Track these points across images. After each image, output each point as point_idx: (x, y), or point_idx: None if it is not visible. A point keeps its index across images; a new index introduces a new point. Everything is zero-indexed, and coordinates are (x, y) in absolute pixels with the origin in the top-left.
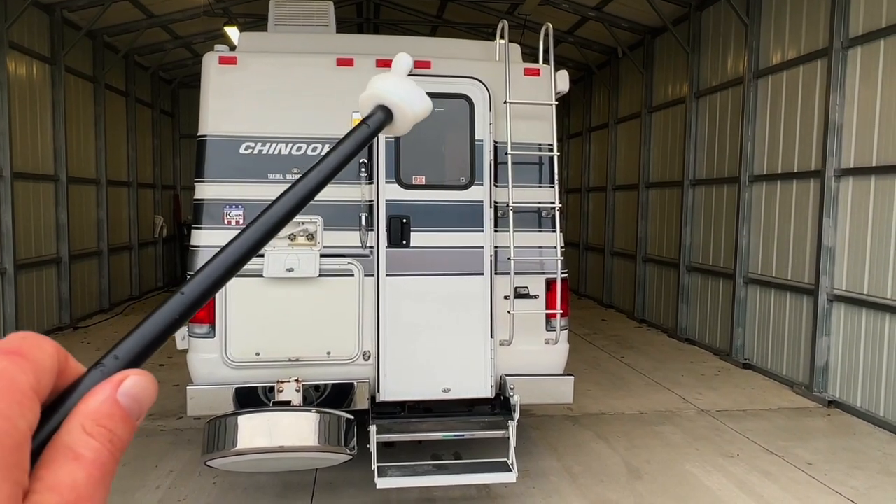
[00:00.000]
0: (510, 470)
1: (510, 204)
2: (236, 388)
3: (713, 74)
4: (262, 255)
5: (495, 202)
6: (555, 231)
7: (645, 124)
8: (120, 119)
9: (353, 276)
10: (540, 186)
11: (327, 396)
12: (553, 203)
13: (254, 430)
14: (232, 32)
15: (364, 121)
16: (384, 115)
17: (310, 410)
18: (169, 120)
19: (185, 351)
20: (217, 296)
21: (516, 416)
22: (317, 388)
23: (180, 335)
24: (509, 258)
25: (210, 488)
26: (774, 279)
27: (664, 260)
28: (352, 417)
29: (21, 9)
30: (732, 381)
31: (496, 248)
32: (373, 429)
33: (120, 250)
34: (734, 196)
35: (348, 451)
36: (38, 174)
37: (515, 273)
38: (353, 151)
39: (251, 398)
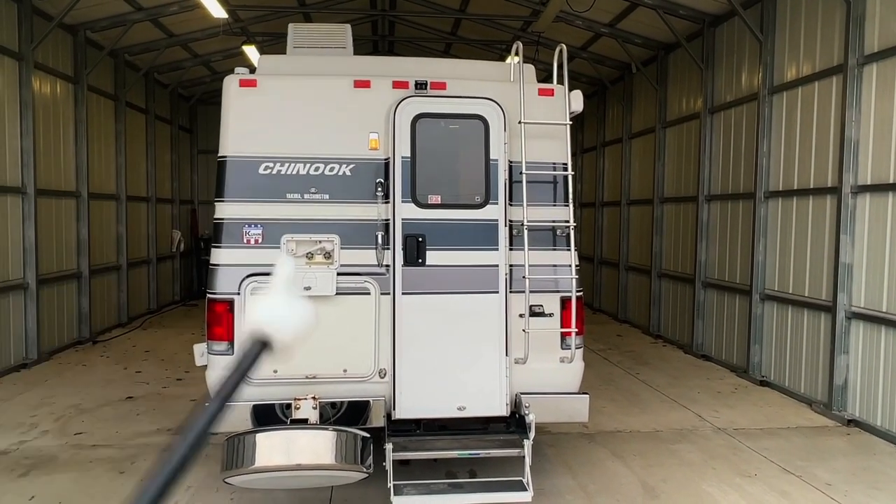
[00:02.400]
0: (526, 489)
1: (525, 222)
2: (254, 405)
3: (727, 90)
4: None
5: (510, 221)
6: (569, 249)
7: (659, 139)
8: (140, 135)
9: (369, 294)
10: (554, 205)
11: (343, 414)
12: (567, 221)
13: (272, 448)
14: (250, 51)
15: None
16: (258, 348)
17: (326, 429)
18: (187, 136)
19: (204, 367)
20: (236, 313)
21: (532, 434)
22: (333, 405)
23: (199, 351)
24: (524, 276)
25: None
26: (791, 296)
27: (679, 275)
28: (368, 436)
29: (47, 30)
30: (749, 399)
31: (511, 266)
32: (389, 447)
33: (138, 265)
34: (749, 212)
35: (364, 470)
36: (61, 191)
37: (530, 291)
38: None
39: (269, 415)
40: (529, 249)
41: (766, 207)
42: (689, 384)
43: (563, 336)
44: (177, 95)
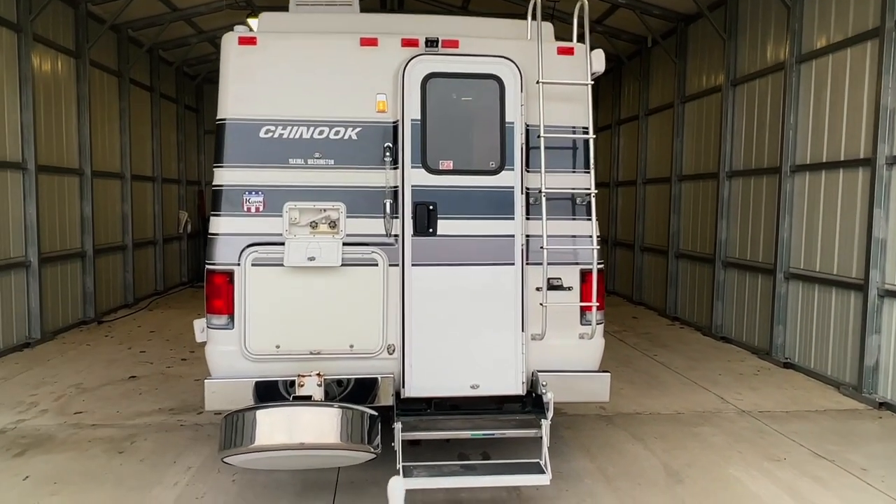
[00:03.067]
0: (543, 471)
1: (542, 190)
2: (256, 382)
3: (751, 61)
4: (283, 244)
5: (527, 188)
6: (590, 219)
7: (677, 115)
8: (145, 114)
9: (377, 265)
10: (574, 172)
11: (350, 391)
12: (588, 189)
13: (273, 426)
14: (255, 24)
15: None
16: None
17: (332, 405)
18: (193, 115)
19: (205, 344)
20: (236, 285)
21: (550, 414)
22: (339, 382)
23: (199, 327)
24: (542, 247)
25: (229, 486)
26: (819, 274)
27: (698, 255)
28: (376, 414)
29: (45, 1)
30: (773, 381)
31: (528, 236)
32: (398, 426)
33: (144, 245)
34: (774, 187)
35: (372, 450)
36: (63, 167)
37: (548, 263)
38: None
39: (272, 392)
40: (547, 219)
41: (793, 182)
42: (710, 366)
43: (583, 311)
44: (182, 74)
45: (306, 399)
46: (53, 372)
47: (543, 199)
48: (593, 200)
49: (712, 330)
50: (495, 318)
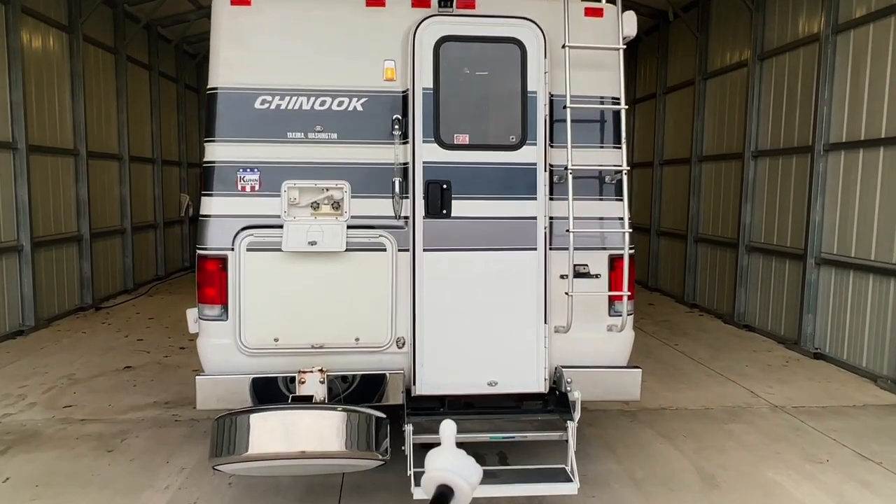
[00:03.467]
0: (571, 479)
1: (569, 167)
2: (253, 379)
3: (781, 33)
4: (281, 227)
5: (551, 165)
6: (621, 199)
7: (698, 93)
8: (143, 93)
9: (385, 250)
10: (602, 147)
11: (355, 389)
12: (619, 166)
13: (269, 432)
14: None
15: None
16: (448, 492)
17: (335, 408)
18: (194, 96)
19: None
20: (230, 272)
21: (577, 415)
22: (344, 378)
23: (193, 317)
24: (568, 231)
25: (225, 489)
26: (854, 259)
27: (720, 240)
28: (384, 416)
29: None
30: (804, 373)
31: (551, 219)
32: (408, 429)
33: (144, 229)
34: (805, 167)
35: (380, 457)
36: (57, 148)
37: (575, 248)
38: None
39: (271, 390)
40: (574, 199)
41: (826, 162)
42: (735, 356)
43: (612, 301)
44: (182, 52)
45: (307, 399)
46: (45, 361)
47: (570, 176)
48: (625, 179)
49: (734, 318)
50: (515, 308)
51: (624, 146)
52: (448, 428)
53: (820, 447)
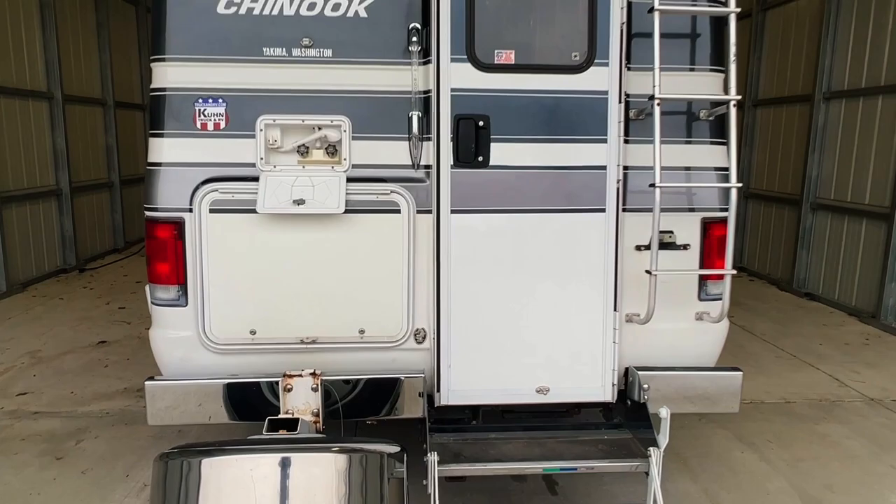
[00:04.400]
0: None
1: (657, 94)
2: (227, 385)
3: None
4: (256, 179)
5: (627, 94)
6: (724, 142)
7: (756, 26)
8: (129, 32)
9: (398, 212)
10: (692, 70)
11: (358, 397)
12: (723, 96)
13: (228, 491)
14: None
15: None
16: None
17: (330, 447)
18: None
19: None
20: (188, 241)
21: (664, 439)
22: (346, 382)
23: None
24: (652, 185)
25: None
26: None
27: (777, 196)
28: (398, 450)
29: None
30: (892, 354)
31: (625, 168)
32: (432, 458)
33: (134, 182)
34: (891, 110)
35: None
36: (25, 90)
37: (661, 209)
38: None
39: (252, 400)
40: (661, 142)
41: None
42: (803, 332)
43: (703, 280)
44: None
45: (290, 425)
46: (10, 335)
47: (657, 108)
48: (732, 113)
49: (794, 284)
50: (575, 290)
51: (733, 67)
52: None
53: None
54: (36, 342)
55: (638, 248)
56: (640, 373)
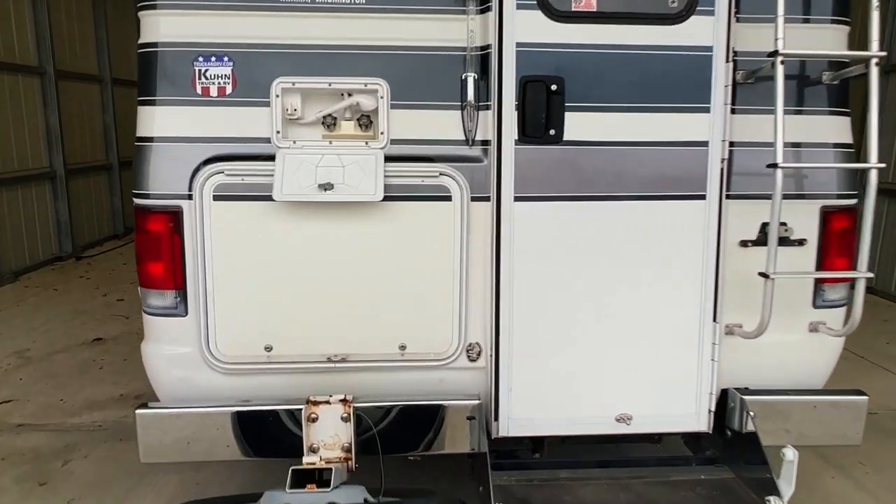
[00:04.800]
0: None
1: (781, 50)
2: (237, 414)
3: None
4: (272, 158)
5: (734, 51)
6: (846, 112)
7: None
8: (128, 4)
9: (449, 199)
10: (808, 21)
11: (398, 428)
12: (863, 52)
13: None
14: None
15: None
16: None
17: None
18: None
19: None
20: (188, 235)
21: (788, 488)
22: (383, 410)
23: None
24: (772, 165)
25: None
26: None
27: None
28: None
29: None
30: None
31: (731, 145)
32: None
33: None
34: None
35: None
36: (15, 65)
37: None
38: None
39: (269, 432)
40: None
41: None
42: (864, 328)
43: (819, 284)
44: None
45: (319, 480)
46: None
47: (780, 68)
48: (874, 74)
49: None
50: (664, 296)
51: (876, 14)
52: None
53: None
54: (25, 339)
55: (743, 243)
56: (744, 397)
